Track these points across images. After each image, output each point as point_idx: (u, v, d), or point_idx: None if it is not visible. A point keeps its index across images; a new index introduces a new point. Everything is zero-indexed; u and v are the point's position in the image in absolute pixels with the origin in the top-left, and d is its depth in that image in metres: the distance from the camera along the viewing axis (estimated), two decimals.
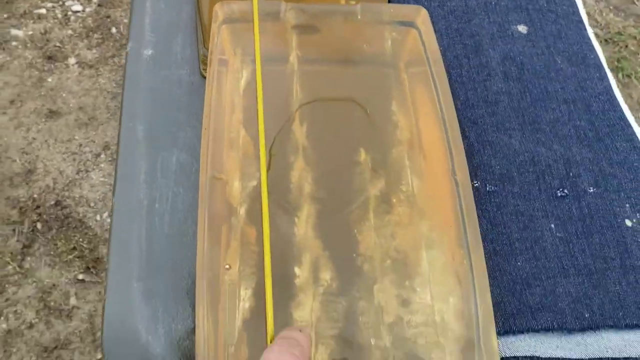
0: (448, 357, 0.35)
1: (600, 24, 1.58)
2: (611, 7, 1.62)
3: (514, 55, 0.54)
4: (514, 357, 0.40)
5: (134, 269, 0.42)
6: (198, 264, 0.35)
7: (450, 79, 0.52)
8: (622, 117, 0.52)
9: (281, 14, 0.46)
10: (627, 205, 0.47)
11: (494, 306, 0.42)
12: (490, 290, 0.42)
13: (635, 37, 1.56)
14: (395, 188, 0.40)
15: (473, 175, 0.47)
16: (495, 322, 0.41)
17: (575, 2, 0.59)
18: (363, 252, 0.38)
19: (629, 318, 0.43)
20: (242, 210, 0.38)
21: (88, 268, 1.17)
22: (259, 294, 0.35)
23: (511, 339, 0.41)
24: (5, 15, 1.47)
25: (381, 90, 0.44)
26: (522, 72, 0.53)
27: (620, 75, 1.49)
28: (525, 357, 0.40)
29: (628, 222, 0.47)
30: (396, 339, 0.35)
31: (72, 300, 1.13)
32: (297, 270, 0.37)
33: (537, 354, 0.41)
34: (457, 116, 0.50)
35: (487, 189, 0.47)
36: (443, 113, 0.42)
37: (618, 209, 0.47)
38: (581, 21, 0.58)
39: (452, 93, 0.52)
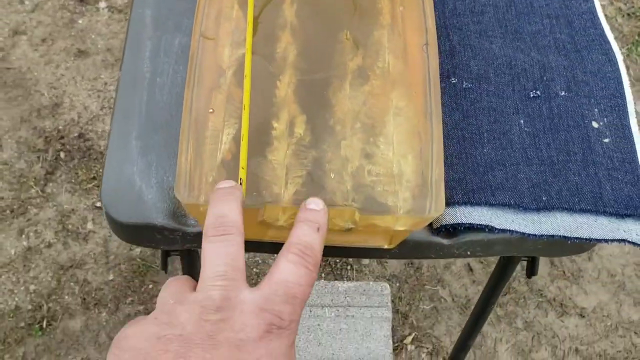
0: (401, 203, 0.39)
1: None
2: None
3: None
4: (470, 224, 0.44)
5: (134, 129, 0.47)
6: (185, 106, 0.39)
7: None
8: (602, 34, 0.55)
9: None
10: (596, 110, 0.51)
11: (456, 182, 0.46)
12: (455, 169, 0.46)
13: None
14: (372, 64, 0.44)
15: (452, 73, 0.51)
16: (456, 194, 0.45)
17: None
18: (336, 115, 0.42)
19: (584, 204, 0.46)
20: (229, 73, 0.42)
21: None
22: (239, 140, 0.40)
23: (469, 209, 0.45)
24: None
25: None
26: None
27: (639, 49, 1.49)
28: (481, 224, 0.44)
29: (594, 124, 0.50)
30: (357, 185, 0.39)
31: (89, 225, 1.20)
32: (274, 123, 0.41)
33: (492, 224, 0.44)
34: (444, 22, 0.54)
35: (464, 85, 0.50)
36: (424, 5, 0.46)
37: (587, 111, 0.50)
38: None
39: (442, 2, 0.55)
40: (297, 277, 0.33)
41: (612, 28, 1.54)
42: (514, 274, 1.23)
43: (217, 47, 0.43)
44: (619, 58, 0.54)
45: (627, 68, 1.47)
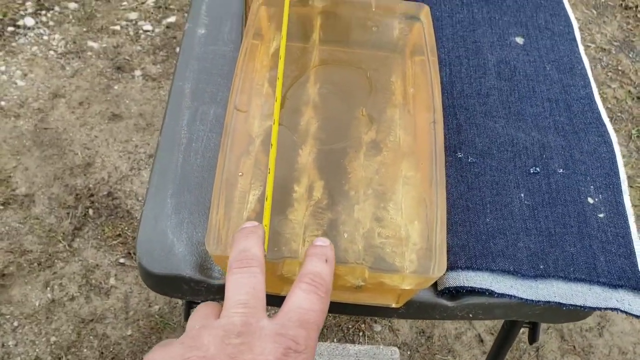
0: (408, 263, 0.43)
1: (634, 82, 1.64)
2: None
3: (509, 60, 0.63)
4: (472, 287, 0.48)
5: (170, 188, 0.52)
6: (218, 169, 0.44)
7: (450, 74, 0.62)
8: (599, 118, 0.60)
9: (309, 0, 0.56)
10: (592, 187, 0.55)
11: (460, 248, 0.50)
12: (459, 236, 0.51)
13: None
14: (385, 138, 0.49)
15: (458, 148, 0.56)
16: (460, 260, 0.49)
17: (571, 23, 0.68)
18: (351, 181, 0.47)
19: (579, 273, 0.50)
20: (258, 141, 0.48)
21: (129, 254, 1.27)
22: (263, 201, 0.44)
23: (471, 273, 0.49)
24: (84, 29, 1.65)
25: (385, 66, 0.54)
26: (514, 74, 0.62)
27: None
28: (482, 288, 0.48)
29: (590, 200, 0.54)
30: (368, 245, 0.43)
31: (112, 281, 1.24)
32: (295, 187, 0.46)
33: (492, 289, 0.48)
34: (452, 103, 0.59)
35: (469, 160, 0.55)
36: (432, 86, 0.51)
37: (583, 188, 0.55)
38: (574, 39, 0.67)
39: (451, 85, 0.61)
40: (310, 304, 0.35)
41: (622, 110, 1.60)
42: (525, 347, 1.24)
43: (248, 119, 0.49)
44: (614, 140, 0.58)
45: (638, 149, 1.52)
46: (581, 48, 0.67)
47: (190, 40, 0.62)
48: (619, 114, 1.59)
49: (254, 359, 0.33)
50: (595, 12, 1.80)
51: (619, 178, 0.56)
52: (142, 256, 0.49)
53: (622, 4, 1.82)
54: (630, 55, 1.71)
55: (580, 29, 1.77)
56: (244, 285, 0.36)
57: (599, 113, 0.60)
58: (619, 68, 1.67)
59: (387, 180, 0.47)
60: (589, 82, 0.63)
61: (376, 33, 0.56)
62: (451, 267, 0.48)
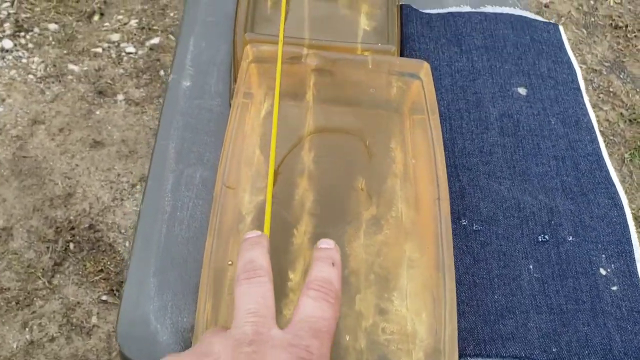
0: None
1: (626, 105, 1.63)
2: (638, 89, 1.67)
3: (512, 113, 0.60)
4: None
5: (152, 265, 0.48)
6: (205, 257, 0.41)
7: (451, 129, 0.58)
8: (607, 177, 0.57)
9: (302, 58, 0.53)
10: (604, 256, 0.52)
11: (467, 332, 0.46)
12: (466, 317, 0.47)
13: None
14: (386, 213, 0.45)
15: (462, 214, 0.52)
16: (468, 346, 0.46)
17: (575, 71, 0.65)
18: (351, 265, 0.43)
19: (594, 356, 0.46)
20: (249, 219, 0.44)
21: (112, 290, 1.23)
22: None
23: None
24: (65, 52, 1.60)
25: (384, 130, 0.50)
26: (517, 128, 0.59)
27: None
28: None
29: (602, 271, 0.51)
30: (371, 343, 0.40)
31: (94, 319, 1.19)
32: (290, 274, 0.42)
33: None
34: (454, 162, 0.56)
35: (474, 227, 0.52)
36: (435, 153, 0.48)
37: (594, 258, 0.51)
38: (579, 89, 0.64)
39: (452, 141, 0.57)
40: (321, 312, 0.34)
41: (615, 133, 1.58)
42: None
43: (238, 193, 0.45)
44: (625, 202, 0.55)
45: (630, 173, 1.50)
46: (586, 98, 0.63)
47: (175, 93, 0.58)
48: (612, 137, 1.57)
49: None
50: (585, 31, 1.78)
51: (632, 245, 0.53)
52: (123, 344, 0.45)
53: (612, 24, 1.81)
54: (621, 76, 1.69)
55: (572, 49, 1.75)
56: (253, 294, 0.35)
57: (607, 171, 0.57)
58: (611, 89, 1.65)
59: (390, 263, 0.43)
60: (596, 136, 0.60)
61: (373, 91, 0.53)
62: (460, 354, 0.44)
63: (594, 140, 0.59)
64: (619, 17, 1.83)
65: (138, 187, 1.37)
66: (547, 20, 0.69)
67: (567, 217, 0.53)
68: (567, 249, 0.51)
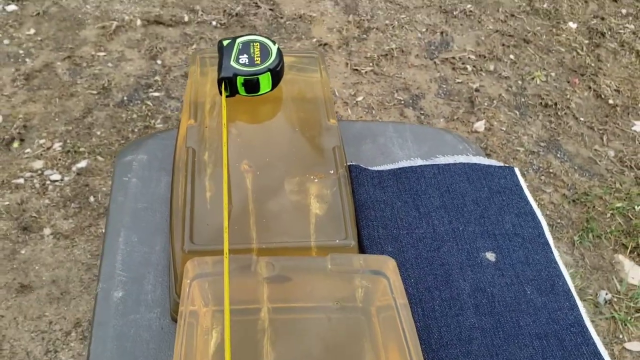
0: None
1: (567, 185, 1.64)
2: (576, 167, 1.69)
3: (484, 286, 0.55)
4: None
5: None
6: None
7: (423, 314, 0.53)
8: (595, 352, 0.52)
9: (252, 267, 0.46)
10: None
11: None
12: None
13: (601, 197, 1.61)
14: None
15: None
16: None
17: (540, 223, 0.61)
18: None
19: None
20: None
21: None
22: None
23: None
24: None
25: (353, 336, 0.44)
26: (493, 304, 0.53)
27: (590, 236, 1.52)
28: None
29: None
30: None
31: None
32: None
33: None
34: (433, 358, 0.50)
35: None
36: (410, 355, 0.42)
37: None
38: (547, 243, 0.60)
39: (426, 330, 0.52)
40: None
41: (561, 216, 1.58)
42: None
43: None
44: None
45: (582, 256, 1.49)
46: (556, 253, 0.59)
47: (105, 308, 0.51)
48: (559, 221, 1.56)
49: None
50: (518, 112, 1.81)
51: None
52: None
53: (541, 102, 1.84)
54: (558, 155, 1.71)
55: (507, 132, 1.78)
56: None
57: (594, 344, 0.53)
58: (550, 170, 1.67)
59: None
60: (575, 301, 0.55)
61: (335, 294, 0.47)
62: None
63: (574, 306, 0.55)
64: (547, 94, 1.87)
65: (73, 334, 1.25)
66: (501, 164, 0.66)
67: None
68: None
